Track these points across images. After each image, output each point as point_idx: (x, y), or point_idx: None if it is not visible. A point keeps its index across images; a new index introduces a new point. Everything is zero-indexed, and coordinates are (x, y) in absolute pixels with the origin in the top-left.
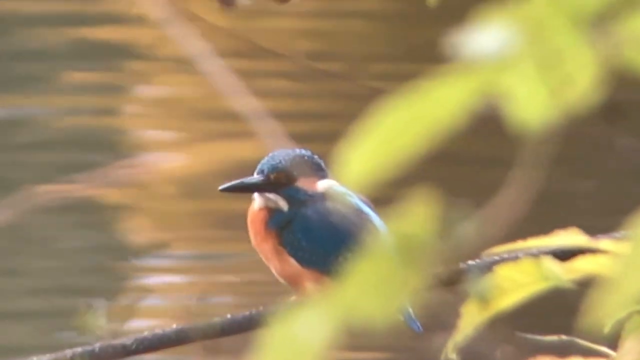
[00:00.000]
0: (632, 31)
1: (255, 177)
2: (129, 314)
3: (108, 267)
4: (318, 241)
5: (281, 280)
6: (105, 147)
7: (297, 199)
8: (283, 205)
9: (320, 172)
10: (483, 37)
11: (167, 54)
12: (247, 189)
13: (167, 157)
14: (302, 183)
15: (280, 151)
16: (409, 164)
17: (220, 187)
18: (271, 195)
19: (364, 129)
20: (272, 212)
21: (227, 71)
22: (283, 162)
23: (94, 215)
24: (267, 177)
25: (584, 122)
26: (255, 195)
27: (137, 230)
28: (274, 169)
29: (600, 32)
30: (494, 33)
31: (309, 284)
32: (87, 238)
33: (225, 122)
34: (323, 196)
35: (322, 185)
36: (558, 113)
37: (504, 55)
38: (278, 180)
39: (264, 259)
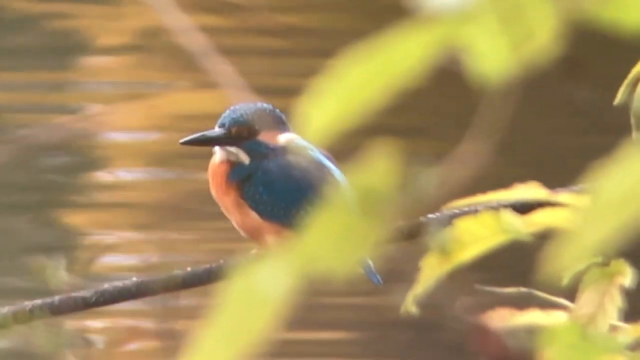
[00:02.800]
0: None
1: (217, 131)
2: (89, 268)
3: (66, 224)
4: (279, 194)
5: (242, 233)
6: (58, 99)
7: (259, 152)
8: (244, 158)
9: (281, 125)
10: None
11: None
12: (209, 142)
13: (125, 110)
14: (264, 136)
15: (242, 105)
16: (369, 117)
17: (181, 140)
18: (232, 149)
19: (325, 83)
20: (233, 165)
21: (188, 23)
22: (245, 115)
23: (49, 171)
24: (229, 130)
25: (544, 76)
26: (217, 148)
27: (95, 188)
28: (236, 122)
29: None
30: None
31: (270, 237)
32: (44, 195)
33: (187, 75)
34: (284, 150)
35: (283, 139)
36: (518, 66)
37: (465, 8)
38: (239, 134)
39: (225, 212)
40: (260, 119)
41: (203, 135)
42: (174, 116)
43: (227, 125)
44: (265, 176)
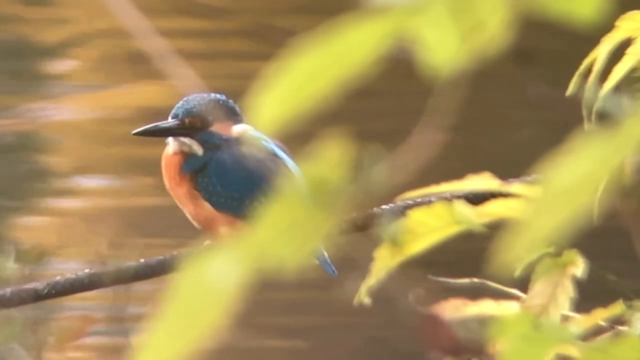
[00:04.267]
0: None
1: (170, 122)
2: (39, 257)
3: (18, 208)
4: (232, 185)
5: (196, 224)
6: (15, 92)
7: (212, 143)
8: (197, 149)
9: (234, 116)
10: None
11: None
12: (162, 133)
13: (79, 103)
14: (217, 127)
15: (195, 95)
16: (319, 107)
17: (134, 131)
18: (186, 140)
19: (277, 72)
20: (186, 156)
21: (137, 12)
22: (197, 106)
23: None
24: (182, 121)
25: (494, 67)
26: (170, 139)
27: (49, 171)
28: (189, 113)
29: None
30: None
31: (224, 228)
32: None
33: (138, 66)
34: (238, 141)
35: (236, 129)
36: (468, 57)
37: None
38: (193, 125)
39: (178, 203)
40: (213, 110)
41: (156, 126)
42: (124, 109)
43: (180, 116)
44: (219, 167)
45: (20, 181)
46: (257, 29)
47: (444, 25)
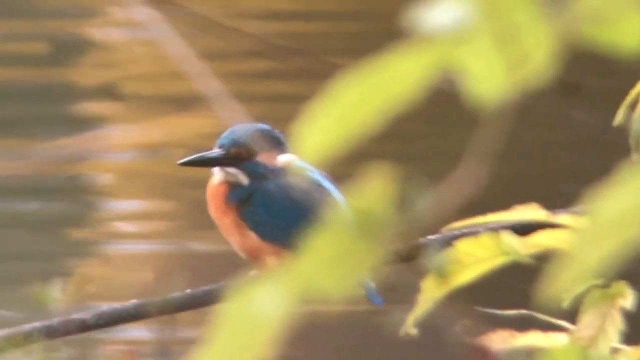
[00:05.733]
0: (588, 6)
1: (216, 152)
2: (86, 288)
3: (66, 238)
4: (279, 215)
5: (242, 254)
6: (62, 121)
7: (258, 173)
8: (243, 179)
9: (279, 146)
10: (440, 12)
11: (124, 24)
12: (207, 163)
13: (125, 131)
14: (262, 157)
15: (240, 125)
16: (366, 138)
17: (180, 161)
18: (231, 170)
19: (322, 104)
20: (232, 186)
21: (187, 50)
22: (243, 136)
23: (46, 191)
24: (228, 151)
25: (540, 97)
26: (215, 169)
27: (95, 201)
28: (235, 143)
29: (556, 6)
30: (452, 7)
31: (270, 258)
32: (44, 208)
33: (184, 100)
34: (283, 171)
35: (281, 159)
36: (514, 88)
37: (461, 29)
38: (238, 155)
39: (224, 234)
40: (259, 140)
41: (202, 156)
42: (170, 139)
43: (226, 146)
44: (265, 197)
45: (69, 223)
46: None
47: (489, 56)
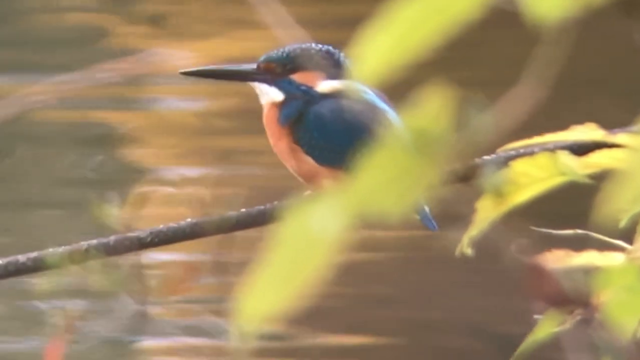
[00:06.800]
0: None
1: (244, 65)
2: (143, 204)
3: (122, 161)
4: (333, 137)
5: (299, 178)
6: (105, 43)
7: (289, 91)
8: (274, 95)
9: (334, 69)
10: None
11: None
12: (230, 76)
13: (176, 53)
14: (299, 77)
15: (296, 45)
16: (424, 58)
17: (185, 70)
18: (262, 86)
19: (380, 24)
20: (280, 108)
21: None
22: (283, 53)
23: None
24: (258, 66)
25: (600, 16)
26: (257, 91)
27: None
28: (267, 58)
29: None
30: None
31: (326, 180)
32: (99, 134)
33: (240, 12)
34: (323, 92)
35: (327, 82)
36: (575, 6)
37: None
38: (269, 70)
39: (281, 158)
40: (303, 59)
41: (222, 68)
42: (230, 59)
43: (260, 61)
44: (318, 120)
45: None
46: None
47: None
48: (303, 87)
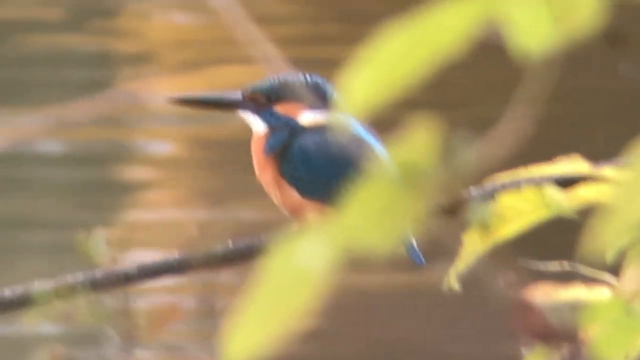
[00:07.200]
0: None
1: (230, 94)
2: (129, 243)
3: (107, 201)
4: (317, 170)
5: (283, 210)
6: (104, 67)
7: (270, 122)
8: (257, 125)
9: (321, 100)
10: None
11: None
12: (214, 104)
13: (166, 82)
14: (282, 108)
15: (282, 75)
16: (410, 89)
17: (175, 97)
18: (244, 114)
19: (367, 54)
20: (267, 138)
21: (237, 11)
22: (267, 83)
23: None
24: (243, 95)
25: (586, 48)
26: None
27: (134, 166)
28: (252, 88)
29: None
30: None
31: (311, 213)
32: (85, 174)
33: (227, 49)
34: (306, 124)
35: (310, 113)
36: (560, 39)
37: None
38: (254, 99)
39: (266, 189)
40: (287, 89)
41: (208, 96)
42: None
43: (246, 90)
44: (303, 153)
45: (112, 185)
46: (347, 14)
47: (536, 7)
48: (284, 118)
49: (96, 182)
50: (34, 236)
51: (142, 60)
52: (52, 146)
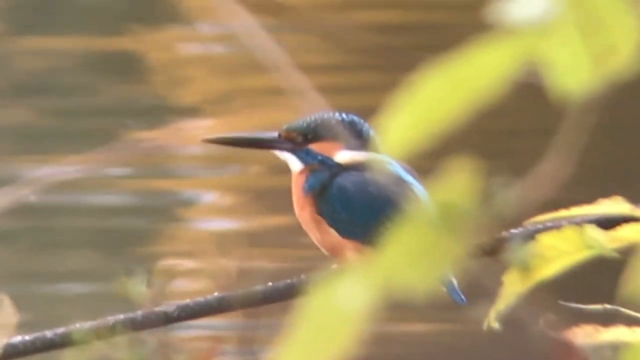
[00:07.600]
0: None
1: (266, 133)
2: (170, 278)
3: (149, 233)
4: (356, 211)
5: (322, 249)
6: (140, 113)
7: (306, 161)
8: (294, 165)
9: (358, 139)
10: (526, 3)
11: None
12: (252, 143)
13: (206, 124)
14: (319, 147)
15: (319, 113)
16: (449, 131)
17: (209, 138)
18: (280, 153)
19: (406, 96)
20: (306, 177)
21: (270, 43)
22: (303, 122)
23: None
24: (279, 134)
25: (626, 89)
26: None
27: (175, 194)
28: (289, 127)
29: None
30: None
31: (350, 253)
32: (124, 201)
33: (267, 95)
34: (343, 163)
35: (347, 153)
36: (600, 80)
37: (546, 21)
38: (290, 139)
39: (304, 228)
40: (324, 128)
41: (242, 136)
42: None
43: (284, 129)
44: (342, 193)
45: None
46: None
47: (575, 48)
48: (320, 157)
49: (132, 231)
50: (74, 287)
51: (189, 110)
52: (93, 197)
